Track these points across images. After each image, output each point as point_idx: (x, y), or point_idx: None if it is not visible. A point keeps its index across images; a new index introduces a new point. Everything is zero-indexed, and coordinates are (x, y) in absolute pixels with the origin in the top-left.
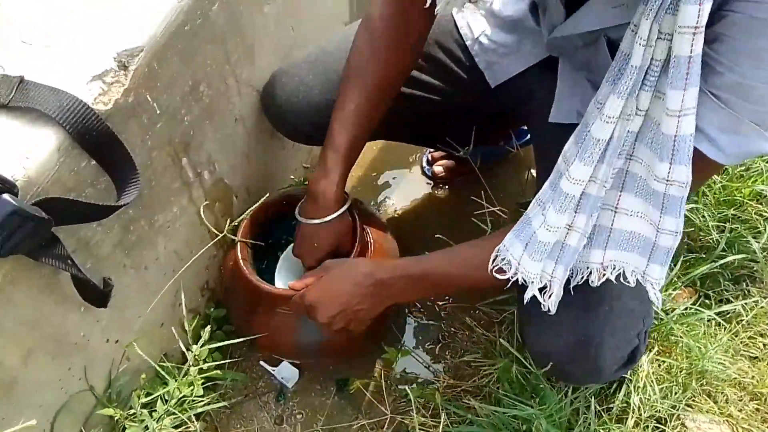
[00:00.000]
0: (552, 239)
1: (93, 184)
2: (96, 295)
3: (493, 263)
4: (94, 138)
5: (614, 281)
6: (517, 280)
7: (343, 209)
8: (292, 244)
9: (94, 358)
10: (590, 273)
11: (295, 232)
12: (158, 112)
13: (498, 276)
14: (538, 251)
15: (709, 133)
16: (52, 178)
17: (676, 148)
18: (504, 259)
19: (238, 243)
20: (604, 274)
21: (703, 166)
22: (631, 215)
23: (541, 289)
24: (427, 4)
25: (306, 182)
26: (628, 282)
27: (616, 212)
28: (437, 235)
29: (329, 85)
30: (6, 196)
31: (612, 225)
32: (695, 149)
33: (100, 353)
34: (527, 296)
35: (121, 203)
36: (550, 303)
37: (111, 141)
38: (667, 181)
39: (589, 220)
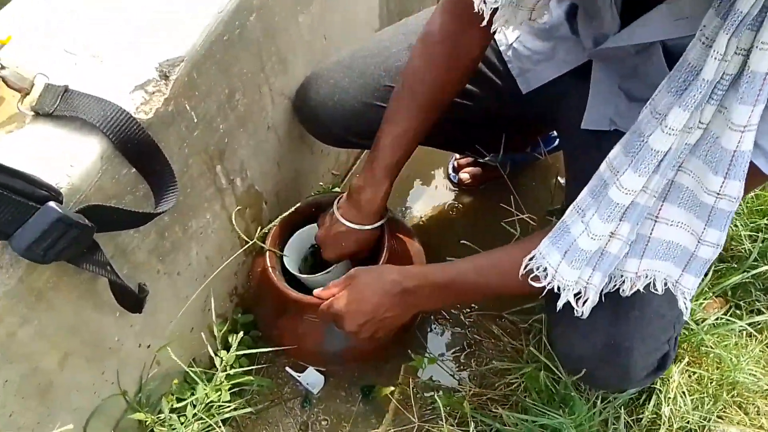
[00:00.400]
0: (594, 247)
1: (132, 191)
2: (132, 301)
3: (525, 270)
4: (135, 146)
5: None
6: (548, 286)
7: (380, 222)
8: (309, 226)
9: (127, 362)
10: (623, 282)
11: (320, 218)
12: (195, 120)
13: (533, 283)
14: (579, 259)
15: (766, 149)
16: (94, 186)
17: (733, 163)
18: (540, 266)
19: (267, 251)
20: (635, 285)
21: (753, 179)
22: (672, 225)
23: (575, 295)
24: (484, 23)
25: (334, 189)
26: (657, 290)
27: (656, 221)
28: (462, 241)
29: (365, 89)
30: (52, 203)
31: (651, 234)
32: (750, 163)
33: (133, 358)
34: (561, 302)
35: (159, 210)
36: (585, 309)
37: (151, 150)
38: (718, 194)
39: (634, 229)
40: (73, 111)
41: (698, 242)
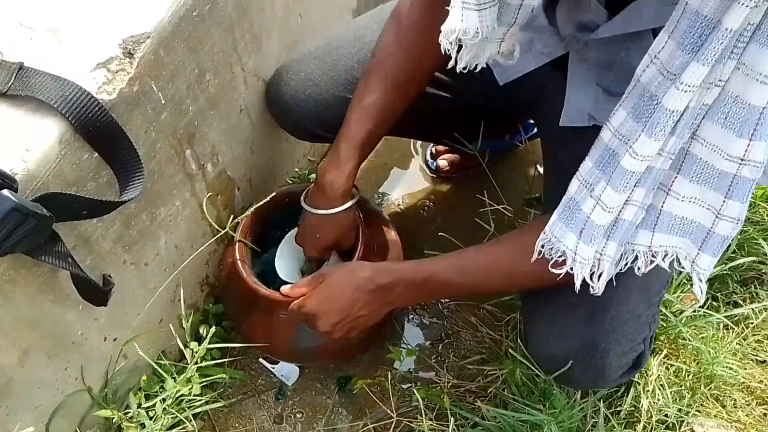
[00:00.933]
0: (610, 219)
1: (95, 177)
2: (96, 293)
3: (540, 256)
4: (97, 129)
5: (615, 284)
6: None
7: (349, 204)
8: (294, 229)
9: (91, 357)
10: (636, 258)
11: (300, 219)
12: (163, 101)
13: (554, 270)
14: (597, 235)
15: None
16: (53, 172)
17: (761, 122)
18: (557, 251)
19: (237, 243)
20: (652, 261)
21: None
22: (683, 200)
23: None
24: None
25: (310, 176)
26: (682, 268)
27: (668, 194)
28: (440, 233)
29: (337, 82)
30: (6, 192)
31: (662, 206)
32: None
33: (98, 352)
34: (578, 282)
35: (125, 198)
36: (600, 285)
37: (115, 133)
38: (742, 160)
39: (649, 193)
40: (28, 90)
41: (716, 217)
